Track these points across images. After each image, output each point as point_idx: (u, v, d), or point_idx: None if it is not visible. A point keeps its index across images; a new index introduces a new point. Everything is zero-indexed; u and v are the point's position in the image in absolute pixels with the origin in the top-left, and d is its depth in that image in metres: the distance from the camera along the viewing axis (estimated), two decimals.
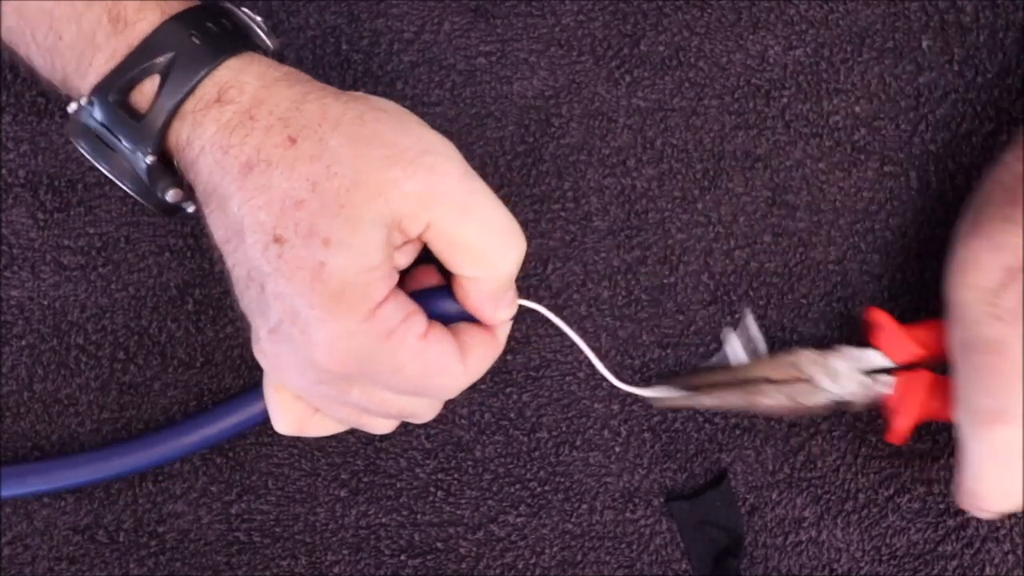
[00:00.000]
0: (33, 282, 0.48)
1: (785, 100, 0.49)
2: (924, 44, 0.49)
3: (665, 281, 0.49)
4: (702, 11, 0.49)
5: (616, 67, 0.49)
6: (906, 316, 0.48)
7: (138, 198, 0.40)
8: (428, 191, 0.36)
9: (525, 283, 0.48)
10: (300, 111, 0.37)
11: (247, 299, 0.38)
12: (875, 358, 0.45)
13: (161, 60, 0.37)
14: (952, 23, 0.49)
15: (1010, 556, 0.48)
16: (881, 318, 0.45)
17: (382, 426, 0.42)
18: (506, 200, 0.49)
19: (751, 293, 0.49)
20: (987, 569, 0.48)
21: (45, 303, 0.48)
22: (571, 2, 0.49)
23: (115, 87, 0.37)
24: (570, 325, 0.47)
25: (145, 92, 0.37)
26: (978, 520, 0.48)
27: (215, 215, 0.38)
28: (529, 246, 0.48)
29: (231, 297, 0.48)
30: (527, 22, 0.49)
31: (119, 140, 0.38)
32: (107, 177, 0.40)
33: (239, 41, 0.38)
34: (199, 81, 0.37)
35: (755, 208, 0.49)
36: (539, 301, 0.48)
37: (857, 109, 0.49)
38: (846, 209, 0.49)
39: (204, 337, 0.48)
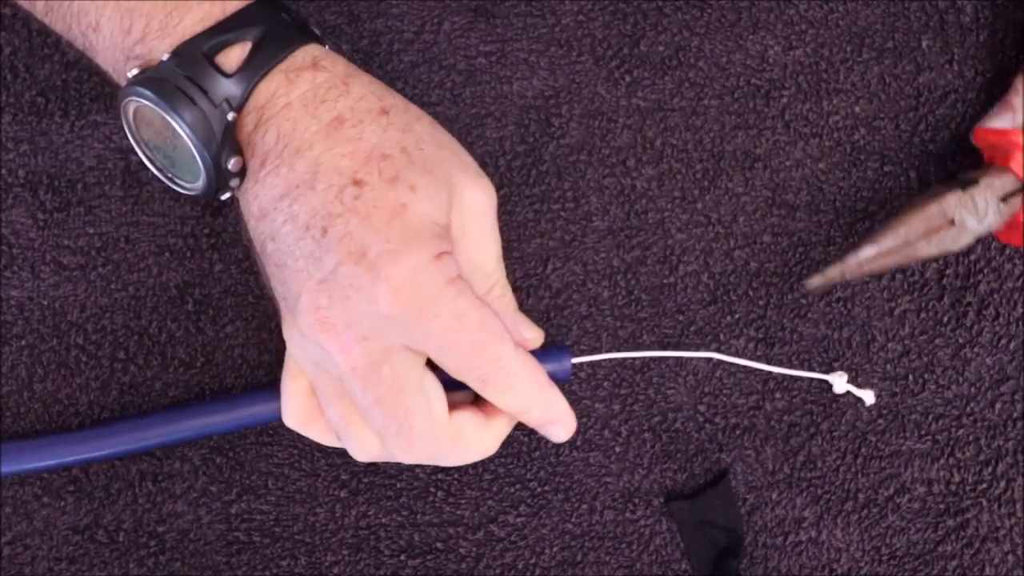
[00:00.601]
0: (33, 282, 0.48)
1: (785, 100, 0.49)
2: (924, 44, 0.49)
3: (665, 281, 0.49)
4: (702, 11, 0.49)
5: (616, 67, 0.49)
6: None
7: (173, 184, 0.41)
8: (477, 206, 0.40)
9: (525, 283, 0.48)
10: (390, 95, 0.40)
11: (296, 252, 0.38)
12: (1010, 181, 0.44)
13: (254, 31, 0.39)
14: (952, 23, 0.49)
15: (1010, 556, 0.48)
16: (1016, 138, 0.44)
17: (367, 443, 0.41)
18: (506, 200, 0.49)
19: (751, 293, 0.49)
20: (987, 569, 0.48)
21: (45, 303, 0.48)
22: (571, 2, 0.49)
23: (208, 45, 0.38)
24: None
25: (232, 56, 0.39)
26: (978, 520, 0.48)
27: (279, 171, 0.38)
28: (529, 246, 0.49)
29: (231, 297, 0.48)
30: (527, 22, 0.49)
31: (204, 93, 0.38)
32: (146, 161, 0.41)
33: (313, 32, 0.41)
34: (295, 50, 0.39)
35: (755, 208, 0.49)
36: (539, 301, 0.48)
37: (857, 109, 0.49)
38: (846, 209, 0.49)
39: (204, 337, 0.48)
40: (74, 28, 0.41)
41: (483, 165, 0.49)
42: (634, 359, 0.48)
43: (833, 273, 0.44)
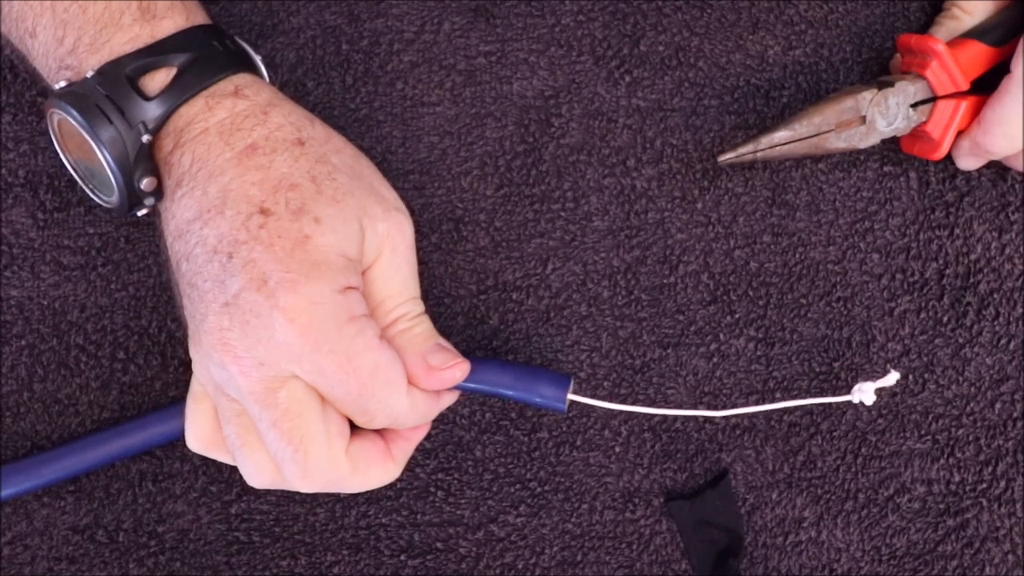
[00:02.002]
0: (33, 282, 0.48)
1: (785, 100, 0.49)
2: None
3: (665, 281, 0.49)
4: (702, 11, 0.49)
5: (616, 67, 0.49)
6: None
7: (93, 195, 0.41)
8: (389, 239, 0.41)
9: (525, 283, 0.49)
10: (311, 125, 0.41)
11: (205, 275, 0.38)
12: (923, 89, 0.45)
13: (181, 57, 0.39)
14: None
15: (1010, 556, 0.48)
16: (936, 46, 0.45)
17: (261, 466, 0.40)
18: (506, 200, 0.49)
19: (751, 293, 0.49)
20: (987, 569, 0.48)
21: (45, 303, 0.48)
22: (571, 2, 0.49)
23: (131, 67, 0.39)
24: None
25: (156, 79, 0.39)
26: (978, 520, 0.48)
27: (193, 194, 0.39)
28: (529, 246, 0.49)
29: None
30: (527, 22, 0.49)
31: (121, 114, 0.39)
32: (70, 168, 0.41)
33: (248, 62, 0.42)
34: (219, 79, 0.40)
35: (755, 208, 0.49)
36: (539, 301, 0.48)
37: None
38: (846, 209, 0.49)
39: None
40: (13, 31, 0.42)
41: (483, 165, 0.49)
42: (632, 361, 0.48)
43: (745, 150, 0.44)
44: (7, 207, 0.48)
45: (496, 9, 0.49)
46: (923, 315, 0.48)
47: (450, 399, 0.43)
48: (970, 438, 0.48)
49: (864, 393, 0.46)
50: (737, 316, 0.48)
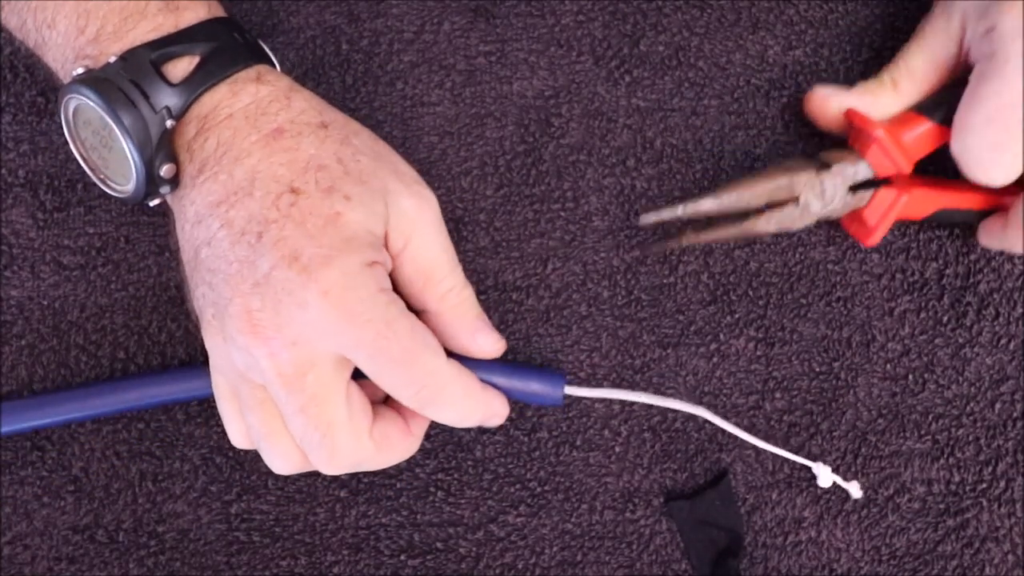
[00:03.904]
0: (33, 282, 0.48)
1: (785, 100, 0.49)
2: None
3: (665, 281, 0.49)
4: (702, 11, 0.49)
5: (616, 67, 0.49)
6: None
7: (104, 186, 0.41)
8: (416, 213, 0.41)
9: (525, 283, 0.49)
10: (330, 110, 0.41)
11: (230, 257, 0.38)
12: (864, 171, 0.44)
13: (204, 45, 0.40)
14: None
15: (1010, 556, 0.48)
16: (876, 132, 0.43)
17: (287, 453, 0.40)
18: (506, 200, 0.49)
19: (751, 293, 0.49)
20: (987, 569, 0.48)
21: (45, 303, 0.48)
22: (571, 2, 0.49)
23: (155, 54, 0.39)
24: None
25: (179, 67, 0.40)
26: (978, 520, 0.48)
27: (217, 178, 0.39)
28: (529, 246, 0.49)
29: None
30: (527, 22, 0.49)
31: (146, 98, 0.39)
32: (80, 159, 0.41)
33: (264, 55, 0.43)
34: (241, 68, 0.40)
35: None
36: (539, 301, 0.48)
37: None
38: None
39: None
40: (28, 23, 0.42)
41: (483, 165, 0.49)
42: (632, 361, 0.48)
43: (668, 213, 0.43)
44: (7, 207, 0.49)
45: (496, 9, 0.49)
46: (923, 315, 0.48)
47: (502, 403, 0.44)
48: (970, 438, 0.48)
49: (824, 474, 0.47)
50: (737, 316, 0.48)
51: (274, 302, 0.37)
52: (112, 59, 0.39)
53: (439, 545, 0.48)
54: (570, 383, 0.47)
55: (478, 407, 0.42)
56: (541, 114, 0.49)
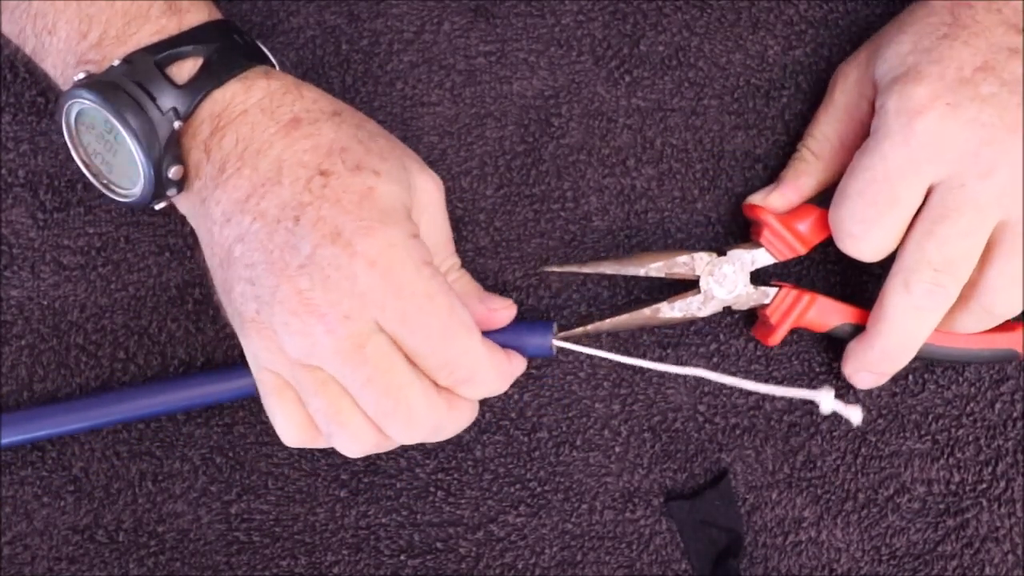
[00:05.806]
0: (33, 282, 0.48)
1: (785, 100, 0.49)
2: None
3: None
4: (702, 11, 0.49)
5: (616, 67, 0.49)
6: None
7: (108, 191, 0.41)
8: (429, 193, 0.42)
9: (525, 283, 0.49)
10: (338, 101, 0.42)
11: (269, 247, 0.38)
12: (761, 256, 0.46)
13: (208, 47, 0.40)
14: None
15: (1010, 556, 0.48)
16: (765, 217, 0.45)
17: (360, 432, 0.40)
18: (506, 200, 0.49)
19: None
20: (987, 569, 0.48)
21: (45, 303, 0.48)
22: (571, 2, 0.49)
23: (159, 56, 0.39)
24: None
25: (184, 69, 0.40)
26: (978, 520, 0.48)
27: (241, 173, 0.39)
28: (529, 246, 0.49)
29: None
30: (527, 22, 0.49)
31: (152, 100, 0.39)
32: (81, 164, 0.41)
33: (264, 56, 0.43)
34: (244, 69, 0.41)
35: None
36: (539, 301, 0.48)
37: None
38: None
39: (204, 337, 0.48)
40: (28, 29, 0.42)
41: (483, 165, 0.49)
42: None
43: (571, 268, 0.46)
44: (7, 207, 0.49)
45: (496, 9, 0.49)
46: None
47: (520, 365, 0.44)
48: (970, 438, 0.48)
49: (826, 400, 0.45)
50: (737, 316, 0.48)
51: (323, 279, 0.37)
52: (116, 63, 0.39)
53: (439, 545, 0.48)
54: (562, 327, 0.46)
55: (506, 383, 0.43)
56: (541, 114, 0.49)
